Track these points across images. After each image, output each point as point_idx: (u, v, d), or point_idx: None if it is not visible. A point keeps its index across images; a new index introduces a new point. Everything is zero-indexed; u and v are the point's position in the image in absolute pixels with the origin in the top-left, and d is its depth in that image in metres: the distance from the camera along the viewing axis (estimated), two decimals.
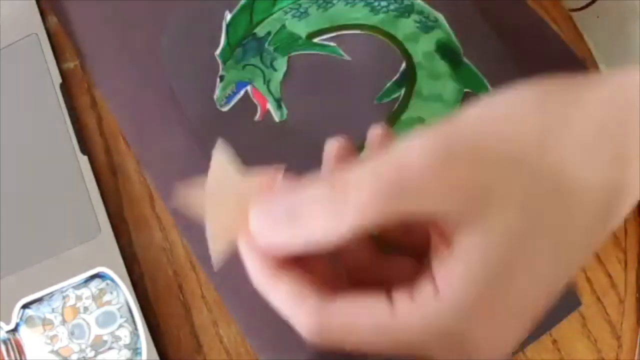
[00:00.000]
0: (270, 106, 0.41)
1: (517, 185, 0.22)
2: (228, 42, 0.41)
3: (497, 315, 0.23)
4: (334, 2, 0.42)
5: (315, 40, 0.42)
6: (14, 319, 0.39)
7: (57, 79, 0.42)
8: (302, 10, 0.42)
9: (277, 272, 0.26)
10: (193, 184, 0.27)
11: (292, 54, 0.42)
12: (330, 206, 0.23)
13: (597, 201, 0.23)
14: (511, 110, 0.23)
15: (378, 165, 0.22)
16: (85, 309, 0.39)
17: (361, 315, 0.24)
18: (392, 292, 0.24)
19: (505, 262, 0.22)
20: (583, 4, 0.44)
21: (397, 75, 0.41)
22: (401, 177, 0.22)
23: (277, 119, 0.40)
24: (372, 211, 0.22)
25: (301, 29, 0.42)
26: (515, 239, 0.22)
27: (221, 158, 0.27)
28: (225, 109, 0.41)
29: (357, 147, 0.40)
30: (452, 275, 0.22)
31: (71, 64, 0.43)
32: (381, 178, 0.22)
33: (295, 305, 0.26)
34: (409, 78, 0.41)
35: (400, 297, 0.24)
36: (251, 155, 0.41)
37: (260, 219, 0.25)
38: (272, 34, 0.42)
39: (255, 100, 0.41)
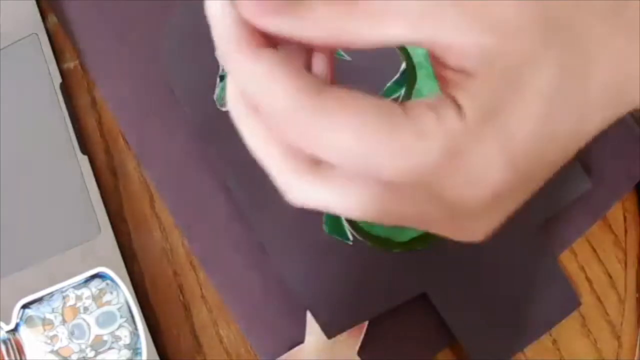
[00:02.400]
0: None
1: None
2: None
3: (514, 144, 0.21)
4: None
5: None
6: (14, 319, 0.39)
7: (57, 79, 0.42)
8: None
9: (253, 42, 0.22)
10: None
11: None
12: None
13: (614, 77, 0.23)
14: None
15: None
16: (85, 309, 0.39)
17: (376, 118, 0.21)
18: (406, 109, 0.21)
19: (549, 97, 0.21)
20: None
21: (397, 75, 0.41)
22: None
23: None
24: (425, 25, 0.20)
25: None
26: (558, 81, 0.21)
27: None
28: (225, 108, 0.41)
29: None
30: (480, 97, 0.21)
31: (71, 64, 0.43)
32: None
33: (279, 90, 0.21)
34: (409, 78, 0.41)
35: (423, 113, 0.21)
36: (251, 155, 0.41)
37: None
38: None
39: None
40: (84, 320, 0.39)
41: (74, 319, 0.39)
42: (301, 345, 0.39)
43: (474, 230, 0.24)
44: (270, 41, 0.22)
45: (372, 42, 0.21)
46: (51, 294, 0.40)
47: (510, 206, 0.23)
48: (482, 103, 0.21)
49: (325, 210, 0.23)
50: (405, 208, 0.22)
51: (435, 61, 0.22)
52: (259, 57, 0.21)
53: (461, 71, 0.21)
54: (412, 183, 0.21)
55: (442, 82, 0.23)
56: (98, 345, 0.39)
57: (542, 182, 0.23)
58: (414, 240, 0.39)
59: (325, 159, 0.22)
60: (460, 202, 0.22)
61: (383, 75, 0.41)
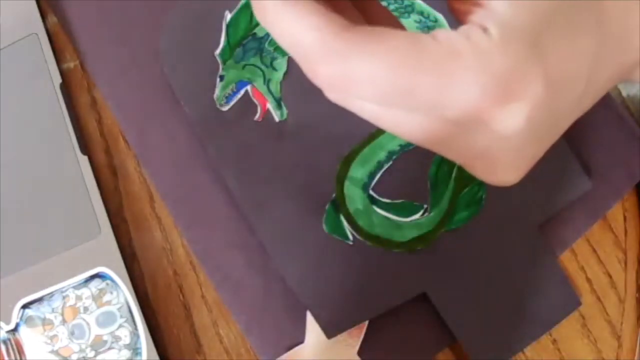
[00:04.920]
0: (270, 106, 0.41)
1: None
2: (228, 42, 0.41)
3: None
4: None
5: None
6: (14, 319, 0.39)
7: (57, 79, 0.42)
8: None
9: None
10: None
11: None
12: None
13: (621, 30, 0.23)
14: None
15: None
16: (85, 309, 0.39)
17: (410, 48, 0.21)
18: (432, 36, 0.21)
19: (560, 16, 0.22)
20: None
21: None
22: None
23: (277, 118, 0.40)
24: None
25: None
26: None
27: None
28: (225, 108, 0.41)
29: (357, 147, 0.40)
30: (503, 14, 0.21)
31: (71, 64, 0.43)
32: None
33: (314, 23, 0.21)
34: None
35: (451, 36, 0.21)
36: (251, 154, 0.41)
37: None
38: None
39: (255, 100, 0.41)
40: (84, 320, 0.39)
41: (74, 319, 0.39)
42: (301, 345, 0.39)
43: (511, 166, 0.23)
44: None
45: None
46: (51, 294, 0.40)
47: (544, 137, 0.23)
48: (507, 20, 0.21)
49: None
50: (445, 133, 0.22)
51: None
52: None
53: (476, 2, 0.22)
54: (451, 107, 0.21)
55: (458, 14, 0.23)
56: (98, 345, 0.39)
57: (569, 114, 0.23)
58: (414, 240, 0.39)
59: (359, 96, 0.21)
60: (499, 122, 0.21)
61: None
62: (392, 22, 0.26)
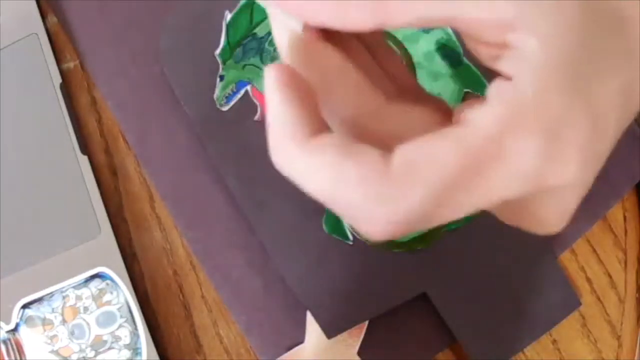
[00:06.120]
0: None
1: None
2: (228, 42, 0.41)
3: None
4: None
5: None
6: (14, 319, 0.39)
7: (57, 79, 0.42)
8: None
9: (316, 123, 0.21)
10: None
11: None
12: None
13: None
14: None
15: None
16: (85, 309, 0.39)
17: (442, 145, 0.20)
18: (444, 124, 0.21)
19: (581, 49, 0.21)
20: None
21: None
22: None
23: None
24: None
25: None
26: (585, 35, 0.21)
27: None
28: (225, 108, 0.41)
29: None
30: (526, 63, 0.20)
31: (71, 64, 0.43)
32: None
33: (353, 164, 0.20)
34: None
35: (464, 112, 0.20)
36: (251, 154, 0.41)
37: None
38: (272, 34, 0.42)
39: (255, 100, 0.41)
40: (84, 320, 0.39)
41: (74, 319, 0.39)
42: (301, 345, 0.39)
43: (560, 216, 0.23)
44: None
45: (406, 20, 0.21)
46: (51, 294, 0.40)
47: (589, 179, 0.22)
48: (541, 64, 0.20)
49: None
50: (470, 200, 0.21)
51: (468, 39, 0.22)
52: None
53: (502, 45, 0.21)
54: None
55: (484, 58, 0.22)
56: (98, 345, 0.39)
57: (608, 149, 0.23)
58: (414, 240, 0.39)
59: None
60: (552, 177, 0.20)
61: None
62: (402, 69, 0.26)
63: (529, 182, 0.20)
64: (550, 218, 0.23)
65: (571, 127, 0.20)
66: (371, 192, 0.20)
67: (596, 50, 0.21)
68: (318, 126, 0.21)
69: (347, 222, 0.22)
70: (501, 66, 0.21)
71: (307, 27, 0.23)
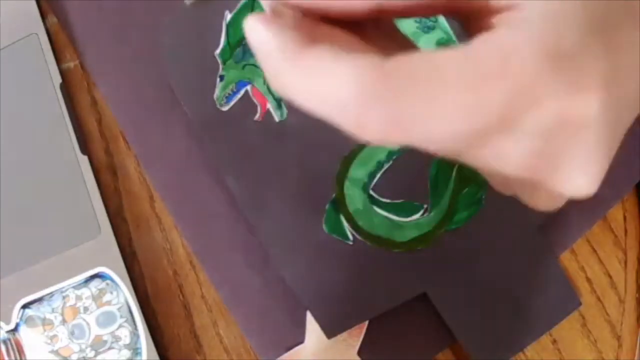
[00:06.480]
0: (270, 106, 0.41)
1: None
2: (228, 42, 0.41)
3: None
4: None
5: None
6: (14, 319, 0.39)
7: (57, 79, 0.42)
8: None
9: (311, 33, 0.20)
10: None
11: None
12: None
13: None
14: None
15: None
16: (85, 309, 0.39)
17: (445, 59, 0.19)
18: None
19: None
20: None
21: None
22: None
23: (277, 118, 0.40)
24: None
25: None
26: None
27: None
28: (225, 108, 0.41)
29: (357, 147, 0.40)
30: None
31: (71, 64, 0.43)
32: None
33: (342, 61, 0.19)
34: None
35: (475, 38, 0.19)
36: (251, 154, 0.41)
37: None
38: None
39: (255, 100, 0.41)
40: (84, 320, 0.39)
41: (74, 319, 0.39)
42: (301, 345, 0.39)
43: (585, 166, 0.21)
44: None
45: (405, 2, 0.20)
46: (51, 294, 0.40)
47: (614, 133, 0.21)
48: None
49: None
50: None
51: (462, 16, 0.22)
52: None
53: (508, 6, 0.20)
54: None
55: (474, 30, 0.21)
56: (98, 345, 0.39)
57: (633, 108, 0.21)
58: (414, 240, 0.39)
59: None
60: (575, 111, 0.19)
61: None
62: (402, 40, 0.25)
63: (535, 102, 0.19)
64: (577, 173, 0.21)
65: (590, 60, 0.19)
66: (368, 89, 0.19)
67: (617, 5, 0.20)
68: (312, 37, 0.20)
69: (343, 127, 0.21)
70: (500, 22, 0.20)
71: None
